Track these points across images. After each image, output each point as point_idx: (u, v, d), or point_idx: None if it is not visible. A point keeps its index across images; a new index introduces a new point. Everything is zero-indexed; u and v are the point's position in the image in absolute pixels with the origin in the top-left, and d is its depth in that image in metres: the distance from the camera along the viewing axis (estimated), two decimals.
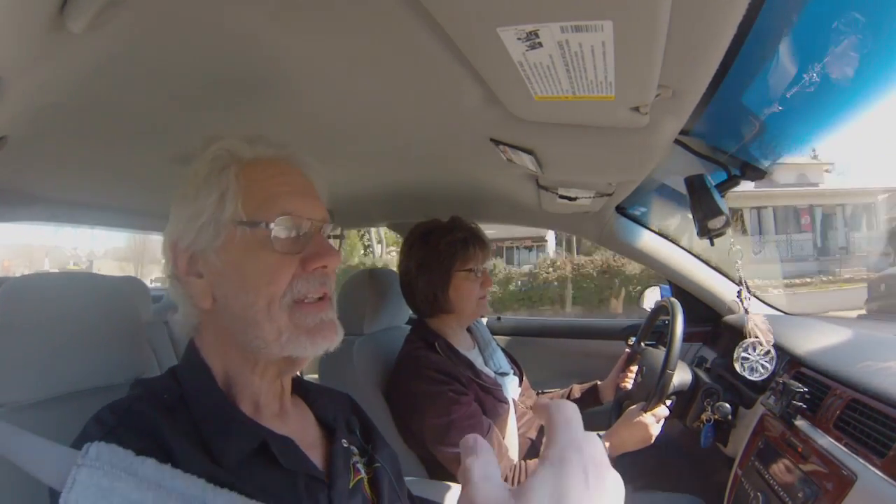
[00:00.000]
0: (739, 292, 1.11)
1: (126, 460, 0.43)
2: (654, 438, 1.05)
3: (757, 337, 1.07)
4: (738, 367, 1.08)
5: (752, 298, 1.54)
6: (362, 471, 0.63)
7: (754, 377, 1.08)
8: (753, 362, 1.08)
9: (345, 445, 0.63)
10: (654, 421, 1.05)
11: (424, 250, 1.20)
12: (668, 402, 1.08)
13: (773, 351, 1.07)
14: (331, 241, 0.60)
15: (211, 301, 0.56)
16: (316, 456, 0.60)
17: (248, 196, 0.55)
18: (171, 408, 0.52)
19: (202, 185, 0.56)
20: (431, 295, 1.18)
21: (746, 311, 1.09)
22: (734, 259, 1.13)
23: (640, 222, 1.56)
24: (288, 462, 0.53)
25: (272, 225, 0.54)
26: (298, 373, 0.68)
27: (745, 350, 1.08)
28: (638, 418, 1.05)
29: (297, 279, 0.55)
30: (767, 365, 1.07)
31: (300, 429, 0.62)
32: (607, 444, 1.04)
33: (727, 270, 1.54)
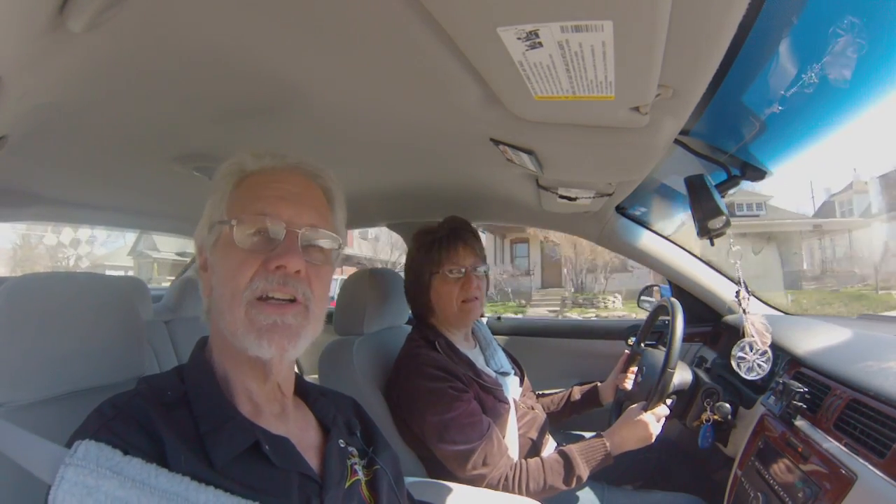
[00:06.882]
0: (738, 292, 1.11)
1: (113, 460, 0.45)
2: (654, 437, 1.05)
3: (753, 337, 1.08)
4: (734, 366, 1.09)
5: (752, 298, 1.56)
6: (360, 473, 0.64)
7: (751, 377, 1.08)
8: (751, 362, 1.08)
9: (341, 445, 0.64)
10: (654, 420, 1.05)
11: (412, 253, 1.22)
12: (669, 402, 1.08)
13: (769, 351, 1.07)
14: (321, 251, 0.62)
15: (209, 291, 0.62)
16: (313, 457, 0.60)
17: (235, 200, 0.61)
18: (171, 405, 0.54)
19: (212, 193, 0.64)
20: (417, 296, 1.21)
21: (744, 312, 1.09)
22: (733, 259, 1.13)
23: (640, 222, 1.56)
24: (280, 461, 0.54)
25: (233, 222, 0.58)
26: (298, 372, 0.69)
27: (742, 350, 1.08)
28: (638, 417, 1.05)
29: (258, 277, 0.57)
30: (764, 365, 1.07)
31: (300, 430, 0.63)
32: (608, 443, 1.04)
33: (727, 271, 1.54)
